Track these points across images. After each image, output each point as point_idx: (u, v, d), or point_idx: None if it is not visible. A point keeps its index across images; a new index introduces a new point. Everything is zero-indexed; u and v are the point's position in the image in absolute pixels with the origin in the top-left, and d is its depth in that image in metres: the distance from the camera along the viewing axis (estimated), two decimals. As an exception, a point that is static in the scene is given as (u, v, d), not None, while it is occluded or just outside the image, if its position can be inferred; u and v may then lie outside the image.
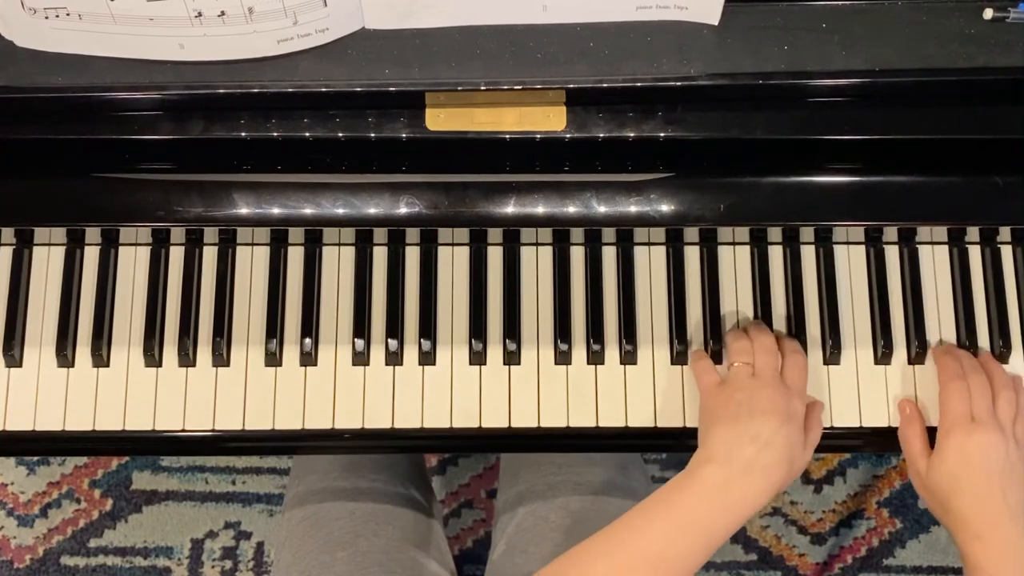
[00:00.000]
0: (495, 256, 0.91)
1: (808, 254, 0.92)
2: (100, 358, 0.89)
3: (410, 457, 1.10)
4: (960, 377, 0.85)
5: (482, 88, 0.73)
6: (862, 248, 0.91)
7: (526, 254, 0.91)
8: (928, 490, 0.84)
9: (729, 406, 0.80)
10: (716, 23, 0.74)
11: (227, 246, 0.91)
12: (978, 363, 0.87)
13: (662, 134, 0.77)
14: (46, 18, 0.70)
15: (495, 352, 0.90)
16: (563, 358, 0.89)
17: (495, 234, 0.90)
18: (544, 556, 0.95)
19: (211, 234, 0.90)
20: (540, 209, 0.79)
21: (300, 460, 1.07)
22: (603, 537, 0.75)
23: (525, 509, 1.01)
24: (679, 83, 0.73)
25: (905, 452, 0.87)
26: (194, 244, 0.91)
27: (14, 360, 0.89)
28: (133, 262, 0.91)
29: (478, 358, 0.89)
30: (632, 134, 0.77)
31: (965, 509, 0.79)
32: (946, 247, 0.92)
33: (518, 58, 0.73)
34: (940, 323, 0.91)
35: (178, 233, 0.90)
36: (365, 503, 0.99)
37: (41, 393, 0.89)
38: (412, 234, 0.90)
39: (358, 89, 0.73)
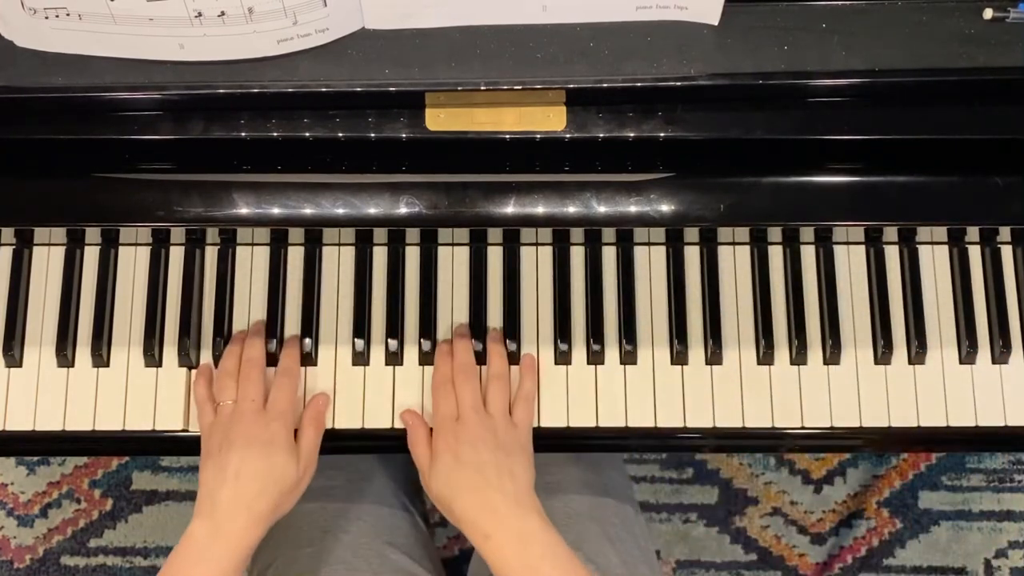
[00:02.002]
0: (495, 256, 0.91)
1: (808, 254, 0.91)
2: (100, 358, 0.89)
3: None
4: (445, 382, 0.85)
5: (482, 88, 0.73)
6: (862, 248, 0.91)
7: (526, 254, 0.91)
8: (435, 498, 0.83)
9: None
10: (716, 23, 0.74)
11: (227, 246, 0.91)
12: (471, 360, 0.87)
13: (662, 134, 0.76)
14: (46, 18, 0.70)
15: (495, 352, 0.89)
16: (563, 358, 0.89)
17: (495, 234, 0.90)
18: None
19: (211, 234, 0.90)
20: (540, 209, 0.79)
21: None
22: None
23: None
24: (679, 83, 0.73)
25: (416, 462, 0.86)
26: (194, 244, 0.91)
27: (14, 360, 0.89)
28: (133, 262, 0.91)
29: (478, 358, 0.89)
30: (632, 134, 0.77)
31: (467, 510, 0.80)
32: (946, 247, 0.92)
33: (518, 58, 0.73)
34: (940, 323, 0.90)
35: (178, 233, 0.89)
36: (336, 502, 1.00)
37: (41, 393, 0.88)
38: (412, 234, 0.90)
39: (358, 89, 0.73)
